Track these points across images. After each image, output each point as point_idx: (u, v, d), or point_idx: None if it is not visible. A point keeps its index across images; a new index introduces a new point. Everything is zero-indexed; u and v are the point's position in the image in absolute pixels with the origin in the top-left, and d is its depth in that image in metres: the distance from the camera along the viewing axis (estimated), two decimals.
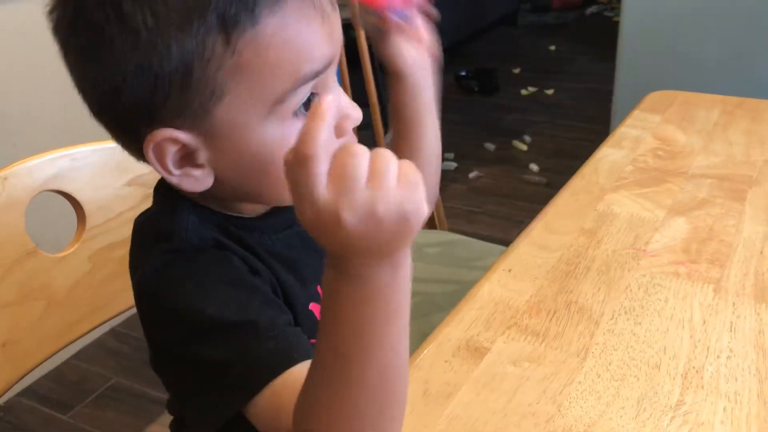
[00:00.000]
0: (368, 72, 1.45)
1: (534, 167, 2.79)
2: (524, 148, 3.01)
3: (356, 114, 0.58)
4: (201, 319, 0.52)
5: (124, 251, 0.61)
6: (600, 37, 4.11)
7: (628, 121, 1.27)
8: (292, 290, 0.61)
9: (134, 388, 1.76)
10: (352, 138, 0.59)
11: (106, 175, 0.84)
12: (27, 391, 1.75)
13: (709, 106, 1.31)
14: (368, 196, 0.39)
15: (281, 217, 0.63)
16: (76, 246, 0.82)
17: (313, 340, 0.54)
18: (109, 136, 0.58)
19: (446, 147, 2.76)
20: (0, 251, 0.76)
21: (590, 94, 3.47)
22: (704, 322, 0.74)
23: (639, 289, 0.80)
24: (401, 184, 0.40)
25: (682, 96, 1.37)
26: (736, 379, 0.67)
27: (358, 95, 1.52)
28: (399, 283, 0.42)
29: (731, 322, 0.74)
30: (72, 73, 0.54)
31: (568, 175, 1.09)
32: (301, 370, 0.50)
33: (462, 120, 3.33)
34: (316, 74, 0.53)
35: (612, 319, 0.75)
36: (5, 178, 0.75)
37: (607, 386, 0.66)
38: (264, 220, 0.61)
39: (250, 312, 0.53)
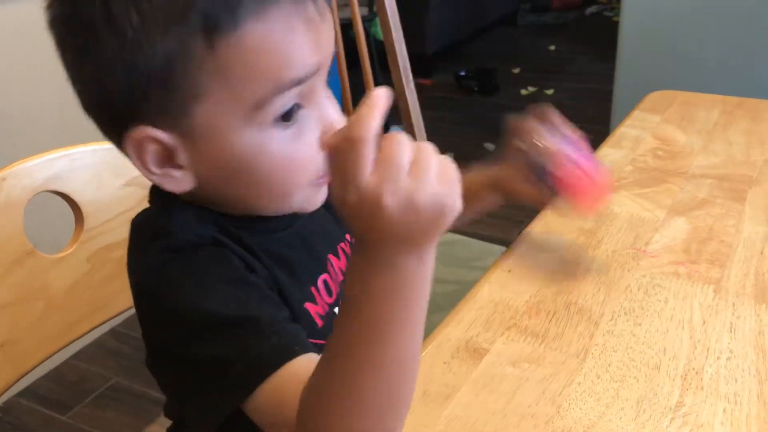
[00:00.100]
0: (368, 72, 1.45)
1: None
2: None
3: None
4: (201, 318, 0.52)
5: (123, 252, 0.61)
6: (600, 37, 4.11)
7: (628, 121, 1.27)
8: (287, 289, 0.61)
9: (134, 389, 1.76)
10: None
11: (105, 176, 0.83)
12: (26, 392, 1.75)
13: (709, 106, 1.31)
14: (410, 184, 0.40)
15: (280, 217, 0.62)
16: (74, 247, 0.82)
17: (312, 340, 0.54)
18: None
19: (446, 147, 2.75)
20: None
21: (590, 94, 3.47)
22: (704, 323, 0.74)
23: (639, 289, 0.80)
24: (441, 178, 0.41)
25: (681, 96, 1.37)
26: (736, 380, 0.66)
27: (358, 95, 1.53)
28: (423, 275, 0.44)
29: (731, 323, 0.74)
30: (66, 69, 0.55)
31: None
32: (301, 363, 0.50)
33: (462, 120, 3.33)
34: (299, 82, 0.53)
35: (612, 319, 0.75)
36: (3, 179, 0.75)
37: (606, 387, 0.66)
38: (263, 220, 0.61)
39: (249, 309, 0.53)
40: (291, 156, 0.56)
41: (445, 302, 1.14)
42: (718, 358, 0.69)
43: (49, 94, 1.61)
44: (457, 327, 0.75)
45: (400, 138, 0.41)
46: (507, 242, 0.93)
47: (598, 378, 0.67)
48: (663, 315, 0.76)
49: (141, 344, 0.59)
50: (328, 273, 0.67)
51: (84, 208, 0.82)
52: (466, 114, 3.41)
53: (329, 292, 0.66)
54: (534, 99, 3.54)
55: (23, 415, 1.71)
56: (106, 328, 1.89)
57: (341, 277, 0.69)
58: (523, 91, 3.62)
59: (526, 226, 0.94)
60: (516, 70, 3.90)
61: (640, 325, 0.74)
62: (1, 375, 0.76)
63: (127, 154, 0.55)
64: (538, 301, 0.79)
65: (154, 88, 0.51)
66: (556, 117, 0.80)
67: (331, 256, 0.69)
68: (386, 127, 2.83)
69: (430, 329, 0.75)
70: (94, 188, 0.83)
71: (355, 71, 1.46)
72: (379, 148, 0.41)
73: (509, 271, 0.84)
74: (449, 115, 3.34)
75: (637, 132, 1.21)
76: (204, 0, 0.49)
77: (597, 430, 0.61)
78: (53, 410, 1.72)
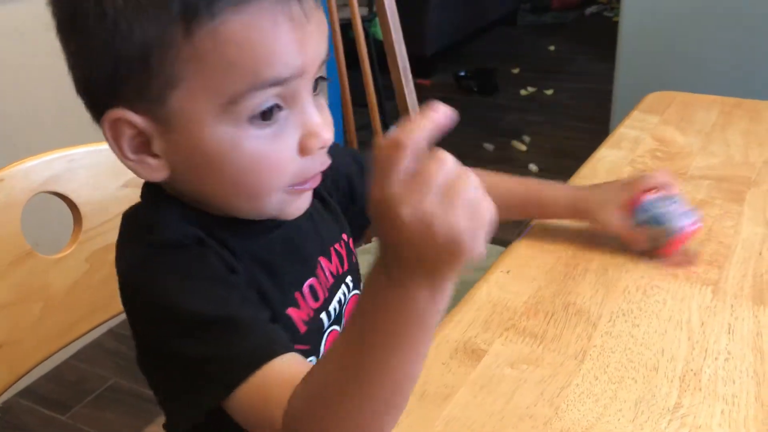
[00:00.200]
0: (367, 73, 1.45)
1: (533, 167, 2.79)
2: (523, 148, 3.01)
3: (326, 135, 0.57)
4: (180, 315, 0.53)
5: None
6: (599, 37, 4.10)
7: (627, 121, 1.27)
8: (269, 294, 0.60)
9: (133, 389, 1.76)
10: (324, 157, 0.59)
11: (103, 177, 0.83)
12: (26, 392, 1.75)
13: (707, 107, 1.31)
14: (433, 206, 0.39)
15: (267, 221, 0.62)
16: (73, 247, 0.82)
17: (295, 346, 0.54)
18: None
19: (445, 147, 2.77)
20: None
21: (589, 94, 3.47)
22: (702, 324, 0.74)
23: (637, 291, 0.80)
24: (469, 214, 0.39)
25: (680, 97, 1.37)
26: (734, 382, 0.66)
27: (358, 96, 1.53)
28: (432, 313, 0.42)
29: (729, 324, 0.74)
30: (63, 49, 0.56)
31: (567, 175, 1.09)
32: (283, 363, 0.51)
33: (461, 120, 3.27)
34: (278, 82, 0.53)
35: (610, 321, 0.75)
36: (2, 180, 0.75)
37: (604, 389, 0.66)
38: (247, 223, 0.61)
39: (230, 308, 0.54)
40: (265, 156, 0.55)
41: None
42: (716, 359, 0.69)
43: (48, 94, 1.61)
44: (456, 328, 0.75)
45: (445, 158, 0.40)
46: (506, 243, 0.93)
47: (597, 379, 0.67)
48: (661, 316, 0.76)
49: None
50: (316, 277, 0.67)
51: (82, 209, 0.82)
52: (465, 114, 3.39)
53: (315, 297, 0.66)
54: (533, 99, 3.54)
55: (23, 415, 1.71)
56: (105, 328, 1.89)
57: (331, 281, 0.69)
58: (523, 92, 3.62)
59: (525, 227, 0.94)
60: (515, 71, 3.90)
61: (638, 326, 0.74)
62: (0, 375, 0.76)
63: (105, 137, 0.56)
64: (536, 302, 0.79)
65: (133, 72, 0.52)
66: (669, 178, 0.86)
67: (321, 259, 0.68)
68: (386, 127, 2.83)
69: None
70: (92, 189, 0.83)
71: (354, 71, 1.46)
72: (422, 160, 0.40)
73: (508, 271, 0.84)
74: None
75: (636, 133, 1.21)
76: None
77: (595, 431, 0.62)
78: (53, 410, 1.72)
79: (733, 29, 2.17)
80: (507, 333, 0.74)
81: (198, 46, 0.51)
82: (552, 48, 4.32)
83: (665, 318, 0.75)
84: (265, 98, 0.53)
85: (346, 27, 1.48)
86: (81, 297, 0.83)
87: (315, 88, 0.57)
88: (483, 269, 0.87)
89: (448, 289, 0.42)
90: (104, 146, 0.83)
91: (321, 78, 0.58)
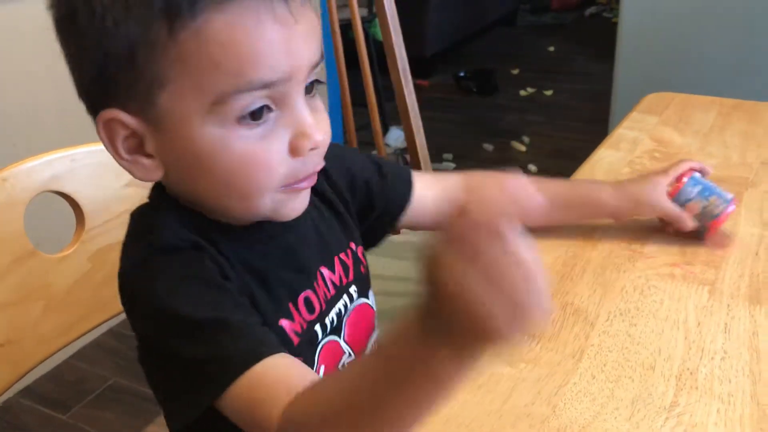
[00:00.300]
0: (367, 73, 1.45)
1: (532, 168, 2.79)
2: (522, 148, 3.01)
3: (317, 136, 0.56)
4: (174, 316, 0.53)
5: None
6: (599, 37, 4.11)
7: (626, 122, 1.27)
8: (261, 303, 0.60)
9: (133, 388, 1.76)
10: (317, 158, 0.58)
11: (106, 177, 0.84)
12: (26, 391, 1.76)
13: (705, 108, 1.32)
14: (472, 282, 0.37)
15: (265, 229, 0.62)
16: (75, 246, 0.82)
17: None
18: None
19: (444, 147, 2.75)
20: None
21: (589, 94, 3.48)
22: (699, 324, 0.75)
23: (634, 290, 0.81)
24: (513, 302, 0.37)
25: (679, 98, 1.37)
26: (730, 381, 0.67)
27: (357, 96, 1.53)
28: (456, 376, 0.41)
29: (725, 324, 0.75)
30: (62, 52, 0.56)
31: (566, 176, 1.09)
32: (274, 363, 0.51)
33: (460, 120, 3.33)
34: (265, 85, 0.53)
35: (607, 320, 0.76)
36: (4, 179, 0.76)
37: (601, 387, 0.67)
38: (247, 231, 0.61)
39: (222, 311, 0.54)
40: (254, 156, 0.55)
41: None
42: (713, 358, 0.70)
43: (49, 94, 1.61)
44: None
45: (509, 238, 0.37)
46: None
47: (594, 378, 0.68)
48: (658, 316, 0.76)
49: None
50: (313, 289, 0.66)
51: (85, 209, 0.83)
52: (465, 114, 3.41)
53: (311, 309, 0.65)
54: (533, 100, 3.55)
55: (23, 415, 1.72)
56: (105, 328, 1.90)
57: (332, 292, 0.68)
58: (522, 92, 3.63)
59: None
60: (515, 71, 3.91)
61: (635, 325, 0.75)
62: (0, 374, 0.77)
63: (100, 137, 0.56)
64: None
65: (121, 71, 0.53)
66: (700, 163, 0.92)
67: (323, 268, 0.67)
68: (386, 128, 2.82)
69: None
70: (94, 188, 0.84)
71: (354, 72, 1.46)
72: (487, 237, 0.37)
73: None
74: (448, 116, 3.34)
75: (635, 134, 1.22)
76: None
77: (592, 429, 0.62)
78: (53, 410, 1.72)
79: (733, 30, 2.17)
80: None
81: (182, 46, 0.51)
82: (551, 49, 4.32)
83: (662, 317, 0.76)
84: (252, 99, 0.53)
85: (346, 28, 1.49)
86: (82, 296, 0.84)
87: (310, 91, 0.57)
88: None
89: (476, 363, 0.40)
90: None
91: (317, 81, 0.57)
